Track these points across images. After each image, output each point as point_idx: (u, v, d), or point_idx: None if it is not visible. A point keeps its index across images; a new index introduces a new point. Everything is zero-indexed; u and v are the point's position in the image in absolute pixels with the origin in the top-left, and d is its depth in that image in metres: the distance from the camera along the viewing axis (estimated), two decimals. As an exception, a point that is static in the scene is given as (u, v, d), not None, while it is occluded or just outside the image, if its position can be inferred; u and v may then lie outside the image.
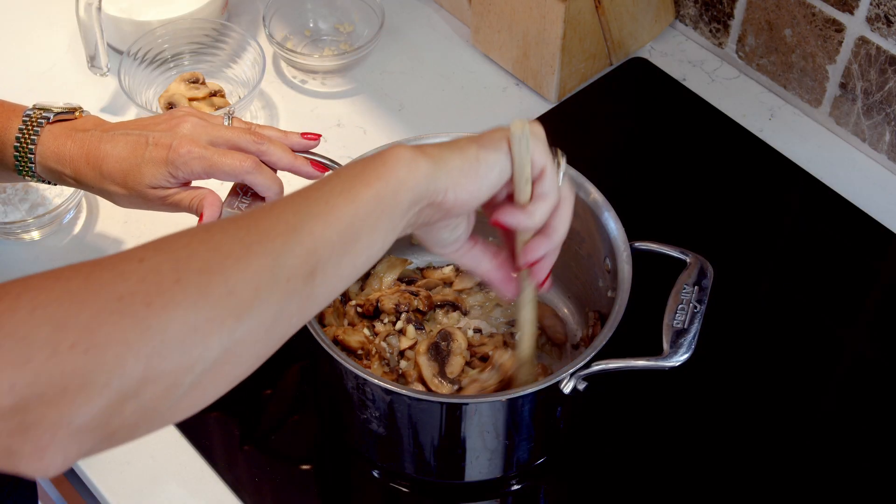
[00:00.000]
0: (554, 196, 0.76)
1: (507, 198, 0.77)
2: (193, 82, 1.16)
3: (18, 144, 0.91)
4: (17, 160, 0.91)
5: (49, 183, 0.94)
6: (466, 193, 0.72)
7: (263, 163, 0.91)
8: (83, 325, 0.54)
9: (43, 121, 0.91)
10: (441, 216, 0.73)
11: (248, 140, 0.90)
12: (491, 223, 0.78)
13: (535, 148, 0.73)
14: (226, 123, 0.92)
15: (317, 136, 0.95)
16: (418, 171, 0.68)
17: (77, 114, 0.93)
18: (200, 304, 0.57)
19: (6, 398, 0.53)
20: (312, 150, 0.95)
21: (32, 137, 0.91)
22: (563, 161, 0.77)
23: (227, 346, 0.59)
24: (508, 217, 0.76)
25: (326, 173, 0.94)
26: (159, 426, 0.59)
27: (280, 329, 0.63)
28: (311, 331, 0.84)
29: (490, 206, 0.77)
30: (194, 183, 0.92)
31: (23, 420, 0.53)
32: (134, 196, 0.90)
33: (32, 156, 0.91)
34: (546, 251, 0.79)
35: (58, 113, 0.92)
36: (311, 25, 1.29)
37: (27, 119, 0.91)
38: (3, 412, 0.53)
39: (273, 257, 0.61)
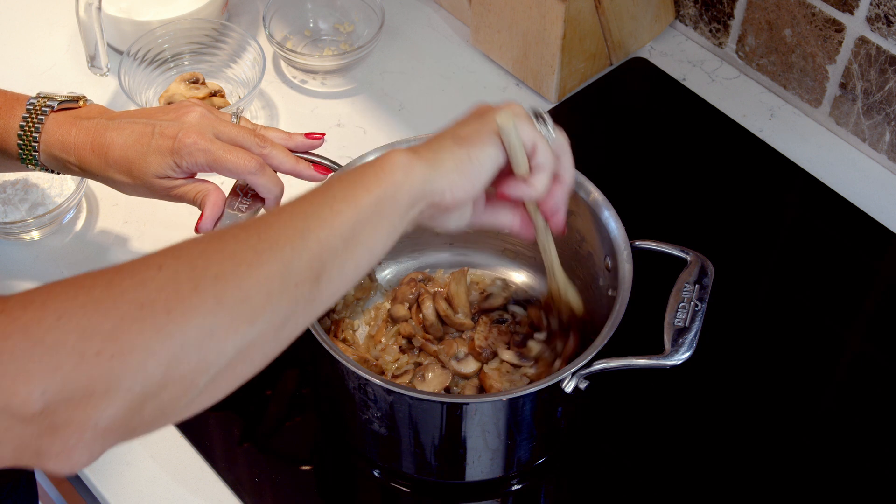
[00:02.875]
0: (551, 162, 0.80)
1: (509, 170, 0.80)
2: (193, 82, 1.16)
3: (22, 132, 0.90)
4: (21, 148, 0.91)
5: (52, 172, 0.93)
6: (463, 191, 0.75)
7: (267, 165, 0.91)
8: (108, 332, 0.57)
9: (47, 109, 0.91)
10: (443, 211, 0.76)
11: (253, 142, 0.90)
12: (498, 197, 0.82)
13: (522, 131, 0.77)
14: (233, 122, 0.92)
15: (321, 136, 0.95)
16: (414, 175, 0.72)
17: (81, 103, 0.93)
18: (217, 310, 0.60)
19: (37, 403, 0.56)
20: (314, 151, 0.95)
21: (36, 125, 0.90)
22: (547, 119, 0.81)
23: (240, 348, 0.62)
24: (515, 190, 0.80)
25: (329, 175, 0.94)
26: (175, 421, 0.63)
27: (289, 330, 0.66)
28: (313, 331, 0.84)
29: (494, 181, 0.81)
30: (201, 176, 0.92)
31: (52, 423, 0.57)
32: (139, 185, 0.90)
33: (36, 144, 0.91)
34: (563, 196, 0.83)
35: (62, 101, 0.92)
36: (311, 25, 1.29)
37: (31, 107, 0.91)
38: (33, 416, 0.56)
39: (283, 263, 0.64)
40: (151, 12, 1.23)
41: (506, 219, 0.85)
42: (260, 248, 0.63)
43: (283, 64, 1.27)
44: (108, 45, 1.20)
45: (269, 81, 1.24)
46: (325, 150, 0.97)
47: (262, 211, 0.94)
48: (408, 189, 0.71)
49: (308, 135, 0.94)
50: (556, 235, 0.88)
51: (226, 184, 0.98)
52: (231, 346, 0.61)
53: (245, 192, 0.93)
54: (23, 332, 0.56)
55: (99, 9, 1.12)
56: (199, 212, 0.90)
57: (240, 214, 0.92)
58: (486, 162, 0.76)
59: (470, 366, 0.95)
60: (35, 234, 1.09)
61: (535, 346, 0.96)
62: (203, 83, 1.17)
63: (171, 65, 1.22)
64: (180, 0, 1.24)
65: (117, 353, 0.57)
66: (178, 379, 0.59)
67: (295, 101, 1.23)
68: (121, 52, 1.21)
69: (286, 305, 0.64)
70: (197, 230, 0.90)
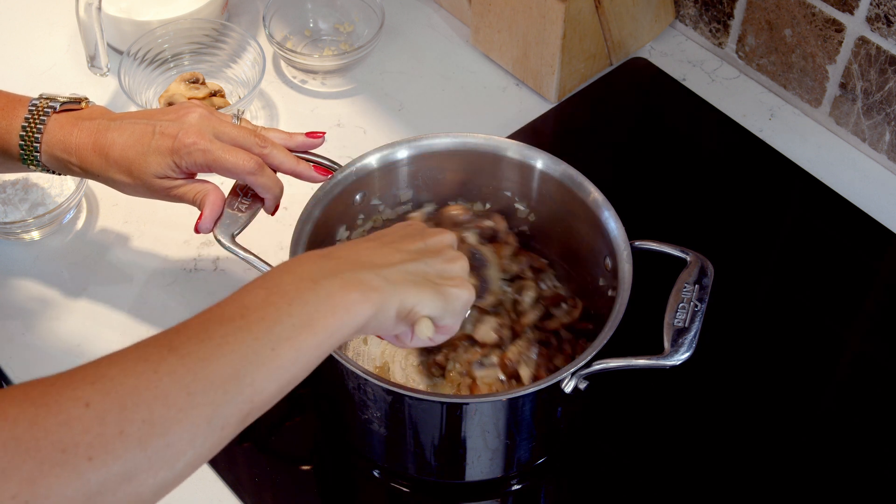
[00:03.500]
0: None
1: None
2: (193, 82, 1.16)
3: (24, 133, 0.91)
4: (23, 149, 0.91)
5: (53, 173, 0.94)
6: (384, 331, 0.74)
7: (266, 165, 0.91)
8: (25, 476, 0.56)
9: (49, 110, 0.91)
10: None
11: (253, 142, 0.90)
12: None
13: (454, 321, 0.76)
14: (234, 122, 0.92)
15: (321, 134, 0.95)
16: (364, 314, 0.70)
17: (83, 104, 0.93)
18: (139, 456, 0.59)
19: None
20: (315, 151, 0.95)
21: (38, 126, 0.90)
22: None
23: (158, 489, 0.61)
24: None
25: (329, 177, 0.94)
26: None
27: (206, 459, 0.64)
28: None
29: None
30: (202, 177, 0.92)
31: None
32: (139, 185, 0.90)
33: (38, 144, 0.91)
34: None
35: (64, 102, 0.92)
36: (311, 25, 1.29)
37: (33, 108, 0.91)
38: None
39: (213, 408, 0.62)
40: (151, 12, 1.23)
41: None
42: (193, 388, 0.61)
43: (283, 64, 1.27)
44: (108, 45, 1.20)
45: (269, 81, 1.25)
46: (325, 150, 0.97)
47: (262, 211, 0.94)
48: (353, 327, 0.69)
49: (309, 134, 0.95)
50: None
51: (225, 184, 0.98)
52: (148, 488, 0.60)
53: (245, 192, 0.93)
54: None
55: (99, 9, 1.12)
56: (199, 212, 0.91)
57: (239, 214, 0.92)
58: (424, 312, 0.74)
59: (490, 375, 0.95)
60: (35, 234, 1.09)
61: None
62: (203, 83, 1.17)
63: (171, 65, 1.22)
64: (180, 0, 1.24)
65: (31, 498, 0.56)
66: None
67: (295, 101, 1.23)
68: (121, 52, 1.21)
69: (208, 448, 0.63)
70: (197, 230, 0.90)
